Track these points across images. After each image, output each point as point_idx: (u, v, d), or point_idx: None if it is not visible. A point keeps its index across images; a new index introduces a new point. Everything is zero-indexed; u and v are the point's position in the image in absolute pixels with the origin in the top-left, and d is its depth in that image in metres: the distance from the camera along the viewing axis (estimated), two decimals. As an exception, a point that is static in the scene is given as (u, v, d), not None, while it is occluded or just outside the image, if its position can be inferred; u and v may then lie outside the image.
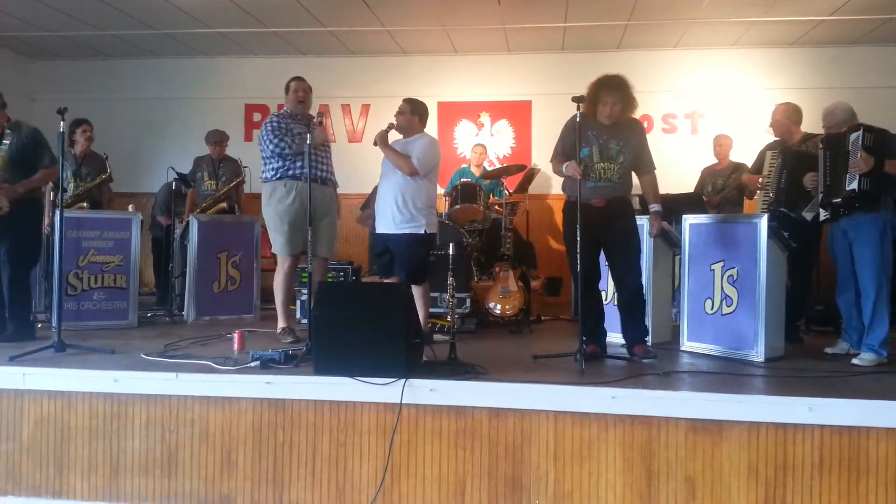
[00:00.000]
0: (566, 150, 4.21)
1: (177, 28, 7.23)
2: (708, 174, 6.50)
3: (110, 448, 3.61)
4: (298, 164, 4.63)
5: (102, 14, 6.81)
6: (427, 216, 4.64)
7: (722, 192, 6.21)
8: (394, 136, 4.74)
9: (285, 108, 4.89)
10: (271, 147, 4.65)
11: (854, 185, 4.09)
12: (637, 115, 4.34)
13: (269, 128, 4.69)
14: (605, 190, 4.17)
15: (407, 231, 4.56)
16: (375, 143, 4.63)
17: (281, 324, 4.77)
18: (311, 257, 4.44)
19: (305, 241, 4.51)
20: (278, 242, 4.72)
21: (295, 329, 4.81)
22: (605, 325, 4.37)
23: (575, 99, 4.02)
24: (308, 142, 4.44)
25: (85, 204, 5.97)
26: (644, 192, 4.39)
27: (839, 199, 4.22)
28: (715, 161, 6.53)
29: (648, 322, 4.60)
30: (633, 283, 4.17)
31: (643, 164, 4.27)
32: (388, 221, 4.60)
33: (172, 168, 6.57)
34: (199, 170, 6.67)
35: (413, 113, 4.74)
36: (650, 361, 4.00)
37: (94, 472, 3.63)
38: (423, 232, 4.60)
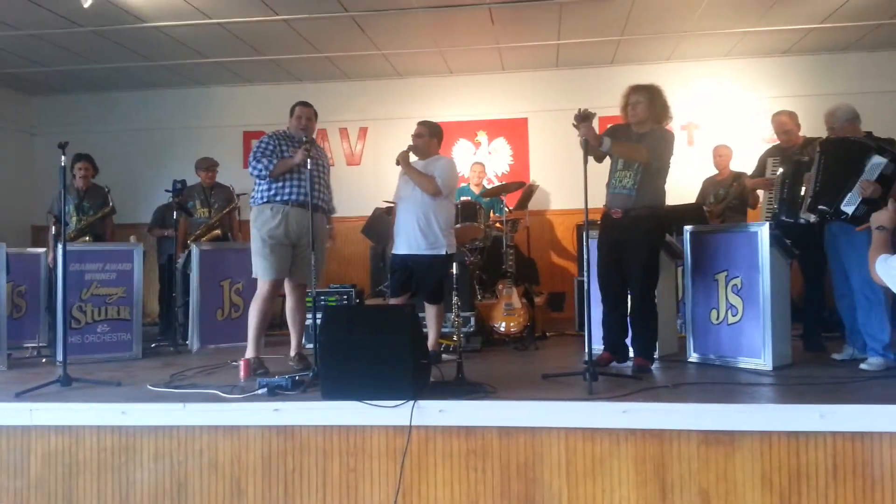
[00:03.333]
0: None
1: (173, 59, 7.31)
2: (709, 185, 6.52)
3: (119, 481, 3.59)
4: (286, 189, 4.48)
5: (99, 47, 6.88)
6: (447, 237, 4.71)
7: (724, 201, 6.23)
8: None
9: (284, 129, 4.73)
10: (250, 169, 4.54)
11: (851, 209, 4.05)
12: None
13: (254, 149, 4.56)
14: (620, 199, 4.20)
15: (431, 252, 4.63)
16: (398, 163, 4.67)
17: (249, 353, 4.45)
18: (312, 283, 4.37)
19: (288, 268, 4.48)
20: (259, 266, 4.52)
21: (263, 361, 4.47)
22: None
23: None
24: (296, 161, 4.36)
25: (87, 238, 5.97)
26: None
27: (826, 208, 4.18)
28: (715, 172, 6.56)
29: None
30: (636, 296, 4.19)
31: (653, 164, 4.17)
32: (411, 242, 4.64)
33: (176, 181, 6.53)
34: (190, 199, 6.62)
35: (431, 136, 4.82)
36: (642, 376, 3.99)
37: (104, 506, 3.60)
38: (444, 253, 4.66)
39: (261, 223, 4.51)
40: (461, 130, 8.09)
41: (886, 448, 3.08)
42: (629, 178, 4.19)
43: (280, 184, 4.49)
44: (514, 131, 8.03)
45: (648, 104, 4.20)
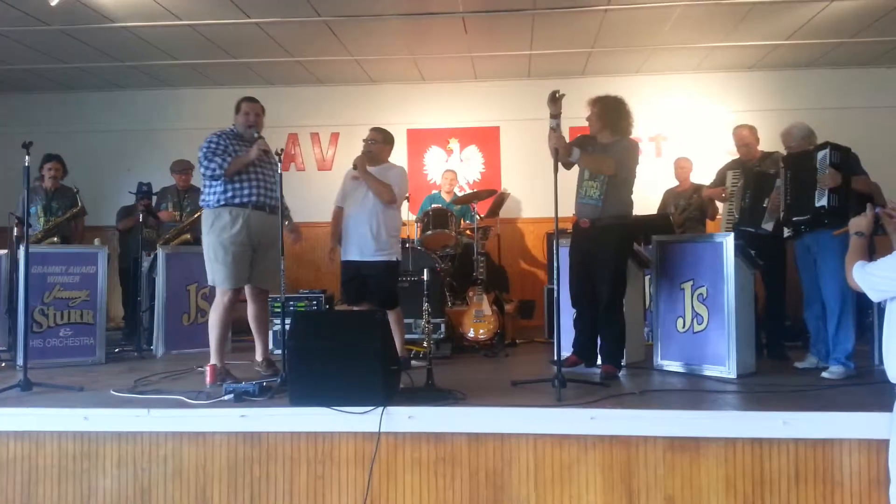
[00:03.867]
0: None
1: (142, 60, 7.21)
2: (670, 196, 6.65)
3: (81, 488, 3.51)
4: (245, 190, 4.29)
5: (66, 47, 6.77)
6: (396, 244, 4.72)
7: (685, 212, 6.34)
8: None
9: (231, 128, 4.49)
10: (202, 170, 4.32)
11: (824, 202, 4.19)
12: None
13: (203, 150, 4.31)
14: (588, 209, 4.30)
15: (383, 259, 4.60)
16: (355, 167, 4.62)
17: (213, 360, 4.28)
18: (282, 288, 4.34)
19: (247, 274, 4.34)
20: (219, 274, 4.29)
21: (230, 370, 4.33)
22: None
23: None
24: (251, 157, 4.23)
25: (56, 239, 5.84)
26: None
27: (804, 217, 4.32)
28: (676, 183, 6.68)
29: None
30: (604, 304, 4.27)
31: (618, 175, 4.26)
32: (363, 249, 4.60)
33: (142, 183, 6.43)
34: (164, 200, 6.57)
35: (385, 142, 4.80)
36: (609, 382, 4.04)
37: (64, 514, 3.52)
38: (395, 259, 4.69)
39: (219, 228, 4.29)
40: (433, 137, 8.11)
41: (847, 454, 3.16)
42: (596, 188, 4.28)
43: (237, 185, 4.29)
44: (486, 139, 8.07)
45: (598, 115, 4.34)
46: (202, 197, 4.42)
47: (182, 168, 6.62)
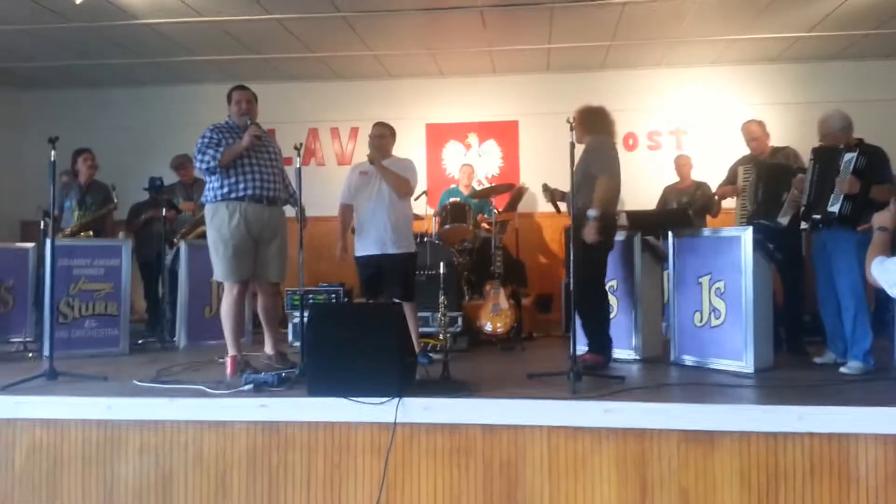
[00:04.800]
0: None
1: (164, 56, 7.31)
2: (671, 192, 6.67)
3: (104, 475, 3.60)
4: (241, 184, 4.26)
5: (90, 44, 6.88)
6: (411, 236, 4.80)
7: (689, 208, 6.32)
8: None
9: (226, 121, 4.48)
10: (196, 164, 4.33)
11: (836, 208, 4.14)
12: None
13: (197, 145, 4.30)
14: (572, 206, 4.36)
15: (403, 251, 4.66)
16: (371, 162, 4.64)
17: (231, 352, 4.32)
18: (301, 282, 4.40)
19: (251, 267, 4.33)
20: (221, 269, 4.30)
21: (249, 361, 4.37)
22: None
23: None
24: (243, 145, 4.20)
25: (90, 233, 5.95)
26: None
27: (819, 216, 4.28)
28: (677, 179, 6.72)
29: (637, 337, 4.78)
30: (576, 293, 4.19)
31: (593, 170, 4.38)
32: (383, 243, 4.63)
33: (154, 178, 6.47)
34: (173, 197, 6.52)
35: (392, 136, 4.86)
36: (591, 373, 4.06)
37: (88, 499, 3.60)
38: (414, 251, 4.76)
39: (218, 223, 4.28)
40: (452, 132, 8.13)
41: (862, 449, 3.14)
42: (574, 186, 4.29)
43: (233, 179, 4.26)
44: (505, 134, 8.07)
45: (578, 123, 4.37)
46: (205, 192, 4.44)
47: (179, 163, 6.56)
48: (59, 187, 5.68)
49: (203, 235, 6.09)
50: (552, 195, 4.72)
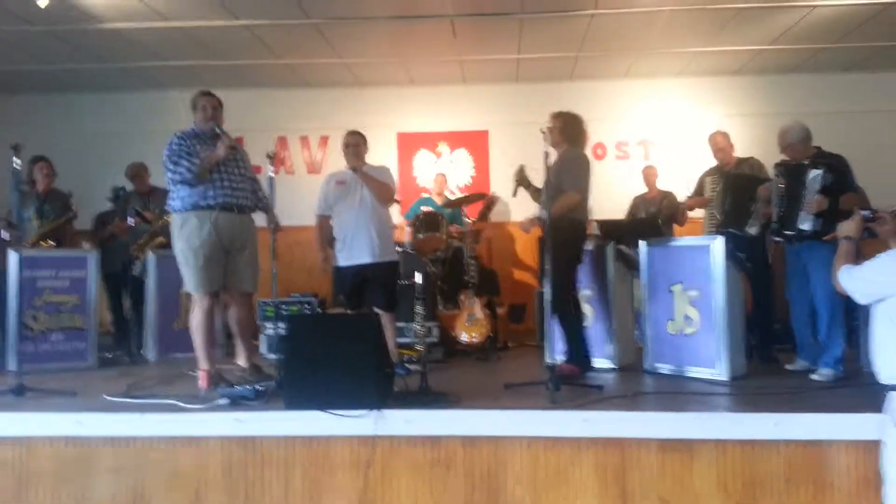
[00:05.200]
0: None
1: (131, 62, 7.16)
2: (639, 202, 6.81)
3: (75, 493, 3.49)
4: (210, 192, 4.15)
5: (54, 48, 6.72)
6: (393, 243, 4.83)
7: (656, 217, 6.44)
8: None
9: (192, 128, 4.36)
10: (169, 175, 4.17)
11: (807, 226, 4.24)
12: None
13: (166, 154, 4.19)
14: (543, 214, 4.35)
15: (388, 259, 4.68)
16: (355, 170, 4.64)
17: (204, 365, 4.24)
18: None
19: (222, 278, 4.24)
20: (193, 280, 4.18)
21: (222, 374, 4.28)
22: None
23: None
24: (220, 155, 4.12)
25: (51, 243, 5.76)
26: None
27: (791, 233, 4.36)
28: (645, 189, 6.87)
29: (612, 346, 4.81)
30: (552, 304, 4.21)
31: (563, 185, 4.43)
32: (371, 251, 4.62)
33: (117, 187, 6.35)
34: (129, 206, 6.25)
35: (365, 144, 4.86)
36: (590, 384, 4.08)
37: (58, 519, 3.50)
38: (396, 259, 4.78)
39: (188, 233, 4.16)
40: (422, 141, 8.12)
41: (836, 455, 3.21)
42: (545, 195, 4.33)
43: (201, 188, 4.15)
44: (475, 143, 8.09)
45: (560, 129, 4.50)
46: (168, 201, 4.31)
47: (135, 172, 6.38)
48: (17, 197, 5.52)
49: (161, 246, 5.92)
50: (521, 180, 4.71)
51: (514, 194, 4.77)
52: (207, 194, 4.17)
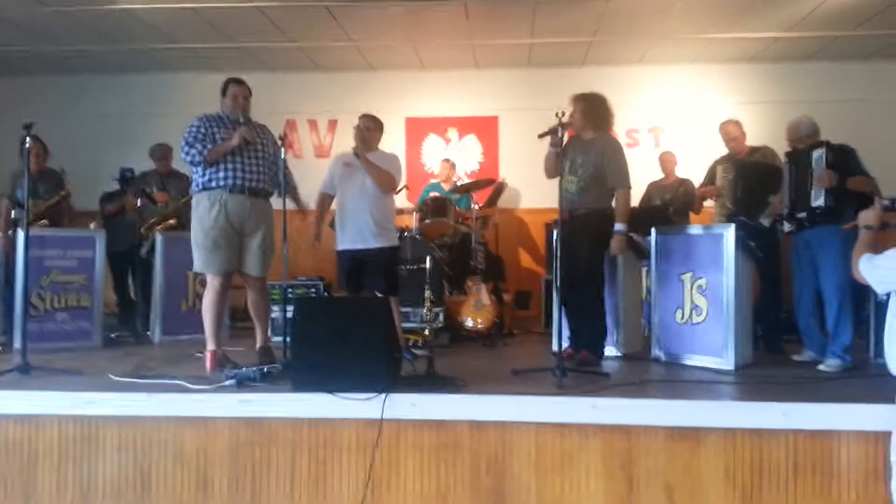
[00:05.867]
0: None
1: (143, 43, 7.14)
2: (655, 188, 6.71)
3: (80, 472, 3.50)
4: (222, 174, 4.20)
5: (64, 28, 6.69)
6: (394, 229, 4.78)
7: (672, 204, 6.38)
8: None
9: (218, 112, 4.42)
10: (182, 155, 4.24)
11: (820, 202, 4.23)
12: None
13: (184, 135, 4.23)
14: (566, 202, 4.30)
15: (386, 245, 4.62)
16: (357, 155, 4.60)
17: (210, 346, 4.26)
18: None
19: (235, 259, 4.27)
20: (203, 260, 4.24)
21: (227, 355, 4.30)
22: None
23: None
24: (232, 145, 4.14)
25: (45, 221, 5.77)
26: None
27: (804, 214, 4.34)
28: (662, 176, 6.75)
29: (620, 333, 4.81)
30: (579, 293, 4.24)
31: (608, 181, 4.38)
32: (366, 236, 4.59)
33: (124, 168, 6.34)
34: (146, 186, 6.34)
35: (377, 129, 4.81)
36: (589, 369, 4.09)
37: (64, 498, 3.50)
38: (397, 244, 4.72)
39: (200, 213, 4.23)
40: (432, 126, 8.07)
41: (844, 445, 3.18)
42: (573, 183, 4.34)
43: (213, 169, 4.20)
44: (485, 129, 8.04)
45: (584, 113, 4.39)
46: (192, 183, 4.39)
47: (161, 154, 6.42)
48: (10, 177, 5.51)
49: (171, 228, 6.04)
50: (556, 136, 4.25)
51: (540, 136, 4.39)
52: (218, 176, 4.21)
